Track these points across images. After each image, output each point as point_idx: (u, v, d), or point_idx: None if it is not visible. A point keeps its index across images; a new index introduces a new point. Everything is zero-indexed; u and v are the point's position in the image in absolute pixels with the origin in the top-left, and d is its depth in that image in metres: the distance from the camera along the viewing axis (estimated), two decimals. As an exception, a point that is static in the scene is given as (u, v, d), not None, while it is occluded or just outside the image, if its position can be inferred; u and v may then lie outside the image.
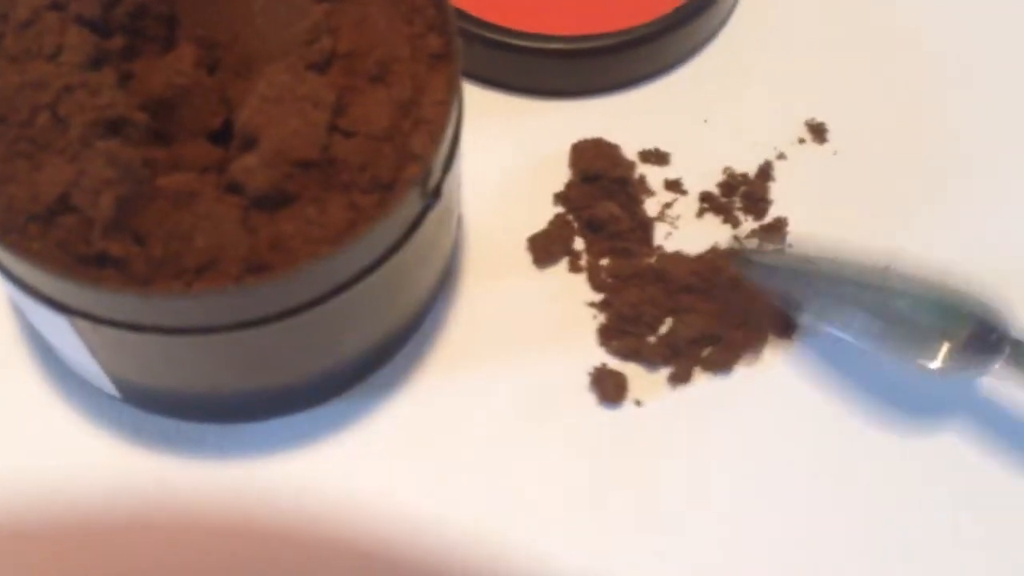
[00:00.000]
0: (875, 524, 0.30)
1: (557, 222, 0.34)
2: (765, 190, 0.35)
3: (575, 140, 0.35)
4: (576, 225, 0.34)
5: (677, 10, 0.36)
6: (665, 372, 0.32)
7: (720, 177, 0.35)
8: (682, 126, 0.36)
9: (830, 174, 0.36)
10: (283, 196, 0.25)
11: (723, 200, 0.35)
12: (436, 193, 0.27)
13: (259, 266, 0.25)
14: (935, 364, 0.30)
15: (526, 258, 0.34)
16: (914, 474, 0.31)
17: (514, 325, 0.33)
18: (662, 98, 0.37)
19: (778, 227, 0.34)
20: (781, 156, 0.36)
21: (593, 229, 0.34)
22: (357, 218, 0.26)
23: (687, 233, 0.34)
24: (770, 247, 0.34)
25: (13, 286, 0.26)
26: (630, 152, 0.35)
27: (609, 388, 0.32)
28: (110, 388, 0.30)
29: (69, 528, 0.30)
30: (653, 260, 0.33)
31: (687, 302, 0.32)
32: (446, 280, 0.33)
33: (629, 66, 0.37)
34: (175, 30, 0.29)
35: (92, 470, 0.30)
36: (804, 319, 0.32)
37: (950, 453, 0.31)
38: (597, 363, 0.32)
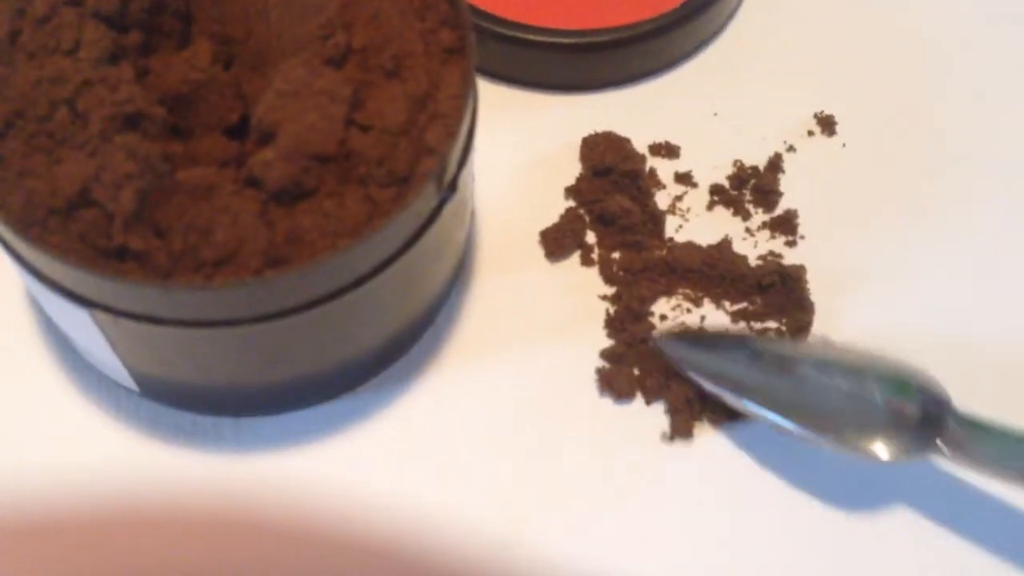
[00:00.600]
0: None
1: (568, 216, 0.34)
2: (775, 182, 0.35)
3: (585, 134, 0.35)
4: (587, 219, 0.34)
5: (686, 4, 0.36)
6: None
7: (730, 170, 0.36)
8: (692, 119, 0.36)
9: (839, 166, 0.36)
10: (301, 190, 0.26)
11: (733, 193, 0.35)
12: (452, 187, 0.27)
13: (277, 259, 0.25)
14: (883, 453, 0.28)
15: (538, 252, 0.34)
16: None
17: (527, 318, 0.33)
18: (672, 91, 0.37)
19: (788, 219, 0.34)
20: (791, 148, 0.36)
21: (604, 222, 0.34)
22: (374, 212, 0.26)
23: (698, 226, 0.34)
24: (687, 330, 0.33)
25: (33, 280, 0.26)
26: (640, 145, 0.35)
27: (622, 382, 0.32)
28: (128, 382, 0.30)
29: (86, 522, 0.30)
30: (664, 252, 0.34)
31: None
32: (460, 274, 0.33)
33: (639, 60, 0.37)
34: (191, 26, 0.29)
35: (109, 464, 0.30)
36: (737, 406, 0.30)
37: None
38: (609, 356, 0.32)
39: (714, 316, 0.33)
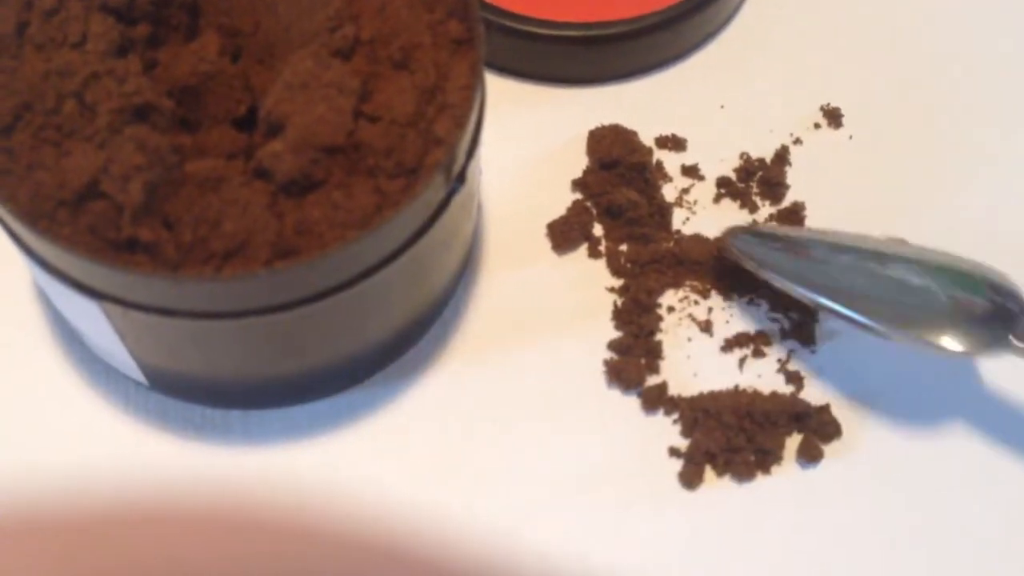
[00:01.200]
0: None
1: (575, 208, 0.34)
2: (782, 175, 0.35)
3: (592, 127, 0.35)
4: (594, 211, 0.34)
5: (692, -4, 0.36)
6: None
7: (737, 162, 0.35)
8: (698, 112, 0.36)
9: (846, 158, 0.36)
10: (310, 181, 0.26)
11: (740, 185, 0.35)
12: (460, 178, 0.27)
13: (287, 251, 0.25)
14: (953, 345, 0.29)
15: (545, 244, 0.34)
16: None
17: (534, 311, 0.33)
18: (678, 84, 0.37)
19: (795, 211, 0.34)
20: (797, 141, 0.36)
21: (611, 215, 0.34)
22: (383, 203, 0.26)
23: (705, 218, 0.34)
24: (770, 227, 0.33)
25: (42, 272, 0.26)
26: (647, 138, 0.35)
27: (630, 373, 0.32)
28: (136, 374, 0.30)
29: (94, 515, 0.30)
30: (672, 245, 0.34)
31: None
32: (467, 266, 0.33)
33: (645, 53, 0.37)
34: (198, 18, 0.29)
35: (117, 457, 0.30)
36: (803, 296, 0.31)
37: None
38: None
39: (720, 311, 0.33)
